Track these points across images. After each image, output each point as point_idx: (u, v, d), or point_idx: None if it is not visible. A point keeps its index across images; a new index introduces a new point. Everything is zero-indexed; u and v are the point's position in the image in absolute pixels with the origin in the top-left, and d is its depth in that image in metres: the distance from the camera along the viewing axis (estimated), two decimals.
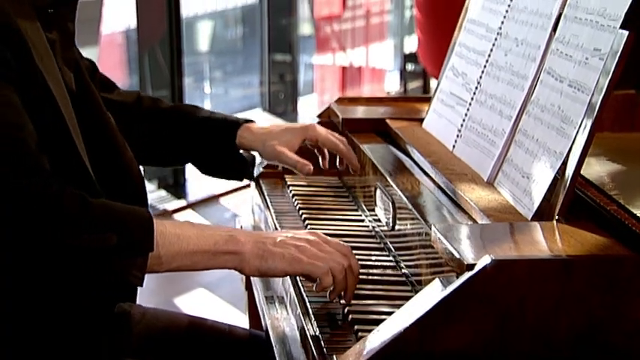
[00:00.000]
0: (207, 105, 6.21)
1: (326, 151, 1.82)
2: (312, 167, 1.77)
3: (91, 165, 1.39)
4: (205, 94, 6.18)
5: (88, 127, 1.43)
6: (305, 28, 6.22)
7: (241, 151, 1.81)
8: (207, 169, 1.83)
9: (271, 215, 1.85)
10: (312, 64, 6.05)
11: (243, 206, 4.27)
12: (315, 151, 1.83)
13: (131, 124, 1.66)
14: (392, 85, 6.28)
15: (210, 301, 3.43)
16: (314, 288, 1.39)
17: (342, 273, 1.37)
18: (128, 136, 1.56)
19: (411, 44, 6.39)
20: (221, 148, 1.78)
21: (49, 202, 1.24)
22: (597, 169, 1.57)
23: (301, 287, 1.50)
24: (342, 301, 1.40)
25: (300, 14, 5.99)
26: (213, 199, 4.48)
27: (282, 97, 5.90)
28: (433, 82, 5.94)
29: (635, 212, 1.36)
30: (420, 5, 5.11)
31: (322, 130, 1.82)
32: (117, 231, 1.26)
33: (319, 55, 5.82)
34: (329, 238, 1.42)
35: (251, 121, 1.81)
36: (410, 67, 6.01)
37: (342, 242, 1.43)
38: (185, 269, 1.36)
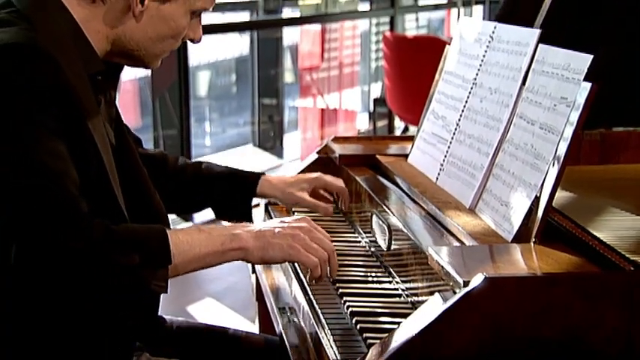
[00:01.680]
0: (207, 140, 6.19)
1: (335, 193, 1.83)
2: (332, 208, 1.79)
3: (126, 207, 1.38)
4: (206, 132, 6.16)
5: (125, 175, 1.41)
6: (289, 77, 6.22)
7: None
8: (225, 215, 1.80)
9: None
10: (296, 107, 6.04)
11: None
12: (322, 192, 1.82)
13: (158, 177, 1.63)
14: (362, 124, 6.28)
15: (218, 309, 3.38)
16: (307, 277, 1.43)
17: (324, 262, 1.38)
18: (155, 187, 1.55)
19: (376, 90, 6.42)
20: (242, 197, 1.76)
21: (81, 233, 1.22)
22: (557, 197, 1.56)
23: (312, 298, 1.48)
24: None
25: (284, 65, 6.00)
26: (218, 220, 4.41)
27: (271, 134, 5.90)
28: (397, 122, 5.96)
29: (596, 235, 1.35)
30: (388, 59, 5.14)
31: (329, 178, 1.81)
32: (138, 250, 1.25)
33: (302, 99, 5.82)
34: (315, 225, 1.43)
35: (264, 174, 1.80)
36: (377, 109, 6.03)
37: (326, 234, 1.44)
38: (200, 269, 1.36)
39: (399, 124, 5.97)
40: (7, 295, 1.28)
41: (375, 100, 6.04)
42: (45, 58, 1.25)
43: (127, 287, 1.27)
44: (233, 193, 1.76)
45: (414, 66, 4.83)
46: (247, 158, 5.70)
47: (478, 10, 7.25)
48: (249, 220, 1.79)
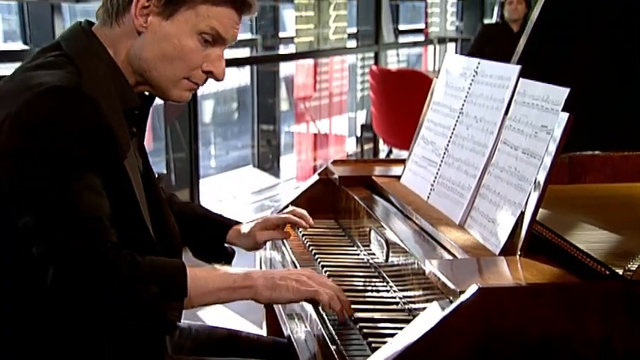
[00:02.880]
0: (212, 162, 6.17)
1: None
2: (289, 233, 1.72)
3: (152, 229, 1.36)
4: (211, 155, 6.13)
5: (150, 200, 1.39)
6: (284, 106, 6.22)
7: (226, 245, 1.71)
8: (200, 255, 1.71)
9: (288, 251, 1.80)
10: (291, 132, 6.03)
11: None
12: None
13: None
14: (350, 147, 6.27)
15: (224, 312, 3.34)
16: (319, 308, 1.37)
17: (333, 297, 1.33)
18: None
19: (362, 117, 6.42)
20: (214, 242, 1.68)
21: (108, 263, 1.20)
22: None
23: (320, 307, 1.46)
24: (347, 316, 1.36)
25: (281, 95, 6.01)
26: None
27: (269, 156, 5.88)
28: (381, 145, 5.97)
29: (579, 246, 1.34)
30: (374, 89, 5.15)
31: (274, 216, 1.73)
32: (158, 283, 1.23)
33: (296, 125, 5.81)
34: (317, 274, 1.39)
35: (238, 223, 1.71)
36: (364, 133, 6.04)
37: (328, 279, 1.41)
38: (212, 304, 1.33)
39: (382, 147, 5.99)
40: (40, 311, 1.26)
41: (362, 126, 6.06)
42: (86, 102, 1.23)
43: (145, 314, 1.27)
44: (206, 237, 1.69)
45: (398, 96, 4.84)
46: (247, 178, 5.69)
47: (451, 47, 7.28)
48: (225, 259, 1.70)
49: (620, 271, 1.30)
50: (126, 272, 1.20)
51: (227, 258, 1.69)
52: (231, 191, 5.34)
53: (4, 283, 1.26)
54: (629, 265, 1.39)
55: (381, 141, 5.88)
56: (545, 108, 1.38)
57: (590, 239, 1.53)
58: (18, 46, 3.45)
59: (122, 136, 1.29)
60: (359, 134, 6.23)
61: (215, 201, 4.98)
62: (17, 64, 3.58)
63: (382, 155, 5.86)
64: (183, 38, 1.33)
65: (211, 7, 1.33)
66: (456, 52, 7.20)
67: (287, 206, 1.87)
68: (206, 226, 1.68)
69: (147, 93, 1.44)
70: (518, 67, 1.53)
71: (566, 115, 1.32)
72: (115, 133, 1.27)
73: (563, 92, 1.35)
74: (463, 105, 1.68)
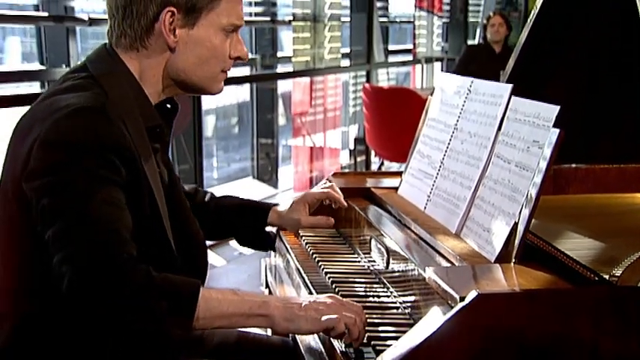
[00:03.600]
0: (214, 174, 6.15)
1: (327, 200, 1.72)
2: (332, 220, 1.71)
3: (172, 236, 1.34)
4: (213, 167, 6.11)
5: (173, 209, 1.37)
6: (282, 120, 6.21)
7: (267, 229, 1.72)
8: (246, 243, 1.73)
9: (292, 258, 1.79)
10: (289, 145, 6.03)
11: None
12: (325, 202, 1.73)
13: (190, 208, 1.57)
14: (344, 160, 6.27)
15: None
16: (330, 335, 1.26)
17: (354, 325, 1.24)
18: None
19: (354, 131, 6.42)
20: (257, 228, 1.69)
21: (124, 276, 1.18)
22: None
23: None
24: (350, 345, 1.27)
25: (279, 111, 6.01)
26: (224, 241, 4.37)
27: (268, 168, 5.87)
28: (373, 158, 5.97)
29: (569, 253, 1.34)
30: (367, 106, 5.16)
31: (316, 191, 1.72)
32: (168, 299, 1.19)
33: (293, 139, 5.80)
34: (344, 300, 1.29)
35: (276, 205, 1.72)
36: (357, 146, 6.04)
37: (354, 302, 1.30)
38: (225, 327, 1.30)
39: (374, 160, 5.99)
40: (58, 313, 1.26)
41: (356, 140, 6.06)
42: (109, 121, 1.23)
43: (151, 328, 1.23)
44: (249, 224, 1.69)
45: (389, 111, 4.85)
46: (247, 189, 5.67)
47: (437, 66, 7.29)
48: (267, 246, 1.73)
49: (607, 277, 1.30)
50: (138, 284, 1.18)
51: (271, 243, 1.69)
52: None
53: (32, 288, 1.26)
54: (614, 271, 1.39)
55: (372, 153, 5.88)
56: (537, 124, 1.38)
57: (577, 247, 1.52)
58: (35, 66, 3.46)
59: (144, 153, 1.29)
60: (352, 147, 6.22)
61: None
62: (34, 83, 3.57)
63: (374, 167, 5.86)
64: (212, 38, 1.35)
65: (224, 1, 1.34)
66: (442, 71, 7.22)
67: (328, 179, 1.87)
68: (246, 213, 1.68)
69: (169, 105, 1.44)
70: (510, 85, 1.53)
71: (557, 130, 1.32)
72: (137, 149, 1.26)
73: (554, 109, 1.35)
74: (457, 121, 1.67)
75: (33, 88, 3.39)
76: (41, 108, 1.29)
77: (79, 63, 1.41)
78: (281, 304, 1.25)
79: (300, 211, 1.69)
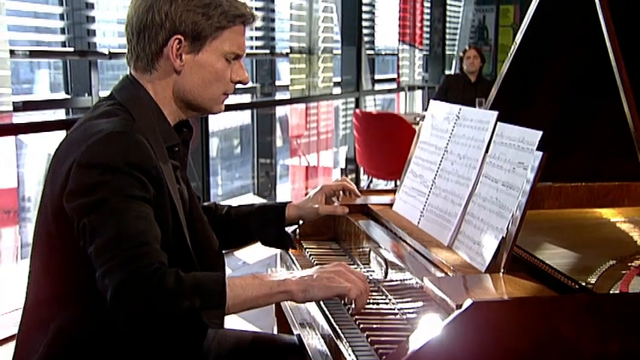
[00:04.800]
0: (219, 190, 6.13)
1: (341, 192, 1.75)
2: (347, 209, 1.72)
3: (192, 246, 1.35)
4: (218, 184, 6.09)
5: (192, 222, 1.38)
6: (280, 142, 6.20)
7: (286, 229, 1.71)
8: (269, 243, 1.72)
9: (297, 268, 1.77)
10: (286, 165, 6.02)
11: (251, 256, 4.16)
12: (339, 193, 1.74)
13: (212, 222, 1.56)
14: (336, 177, 6.26)
15: (234, 320, 3.28)
16: (343, 301, 1.33)
17: (361, 295, 1.28)
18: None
19: (343, 151, 6.42)
20: (278, 226, 1.68)
21: (157, 281, 1.19)
22: None
23: (330, 318, 1.43)
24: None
25: (277, 133, 6.00)
26: (229, 251, 4.34)
27: (268, 185, 5.85)
28: (362, 175, 5.95)
29: (549, 263, 1.33)
30: (357, 129, 5.16)
31: (331, 182, 1.76)
32: (200, 296, 1.20)
33: (290, 159, 5.80)
34: (351, 267, 1.33)
35: (290, 202, 1.73)
36: (348, 165, 6.04)
37: (358, 271, 1.33)
38: (253, 308, 1.29)
39: (363, 177, 5.99)
40: (99, 318, 1.26)
41: (347, 159, 6.06)
42: (137, 143, 1.25)
43: (189, 324, 1.26)
44: (269, 224, 1.68)
45: (377, 134, 4.86)
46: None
47: (418, 93, 7.33)
48: (289, 243, 1.71)
49: (584, 284, 1.30)
50: (172, 288, 1.18)
51: (291, 242, 1.68)
52: None
53: (72, 294, 1.28)
54: (589, 279, 1.39)
55: (362, 171, 5.88)
56: (522, 147, 1.37)
57: (554, 257, 1.52)
58: (61, 95, 3.48)
59: (167, 170, 1.30)
60: (343, 166, 6.22)
61: None
62: (60, 110, 3.57)
63: (363, 184, 5.86)
64: (215, 64, 1.36)
65: (228, 30, 1.35)
66: (422, 99, 7.27)
67: (341, 177, 1.87)
68: (266, 214, 1.67)
69: (185, 128, 1.45)
70: (496, 112, 1.53)
71: (540, 153, 1.32)
72: (162, 168, 1.28)
73: (537, 134, 1.35)
74: (448, 144, 1.67)
75: (59, 114, 3.39)
76: (77, 134, 1.31)
77: (102, 93, 1.42)
78: (296, 279, 1.27)
79: (318, 200, 1.70)
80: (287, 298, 1.28)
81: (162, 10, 1.31)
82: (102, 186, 1.20)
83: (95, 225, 1.19)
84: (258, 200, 5.75)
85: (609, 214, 1.94)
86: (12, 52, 2.93)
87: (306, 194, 6.12)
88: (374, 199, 1.97)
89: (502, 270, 1.30)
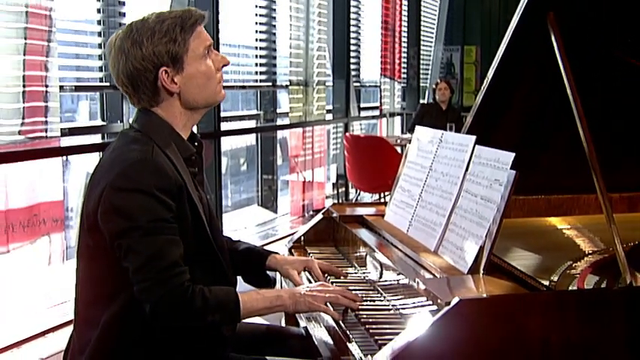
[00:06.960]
0: (228, 202, 6.10)
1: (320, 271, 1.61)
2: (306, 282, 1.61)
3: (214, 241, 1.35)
4: (227, 197, 6.07)
5: (211, 220, 1.37)
6: (280, 161, 6.20)
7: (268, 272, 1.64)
8: (249, 282, 1.63)
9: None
10: (286, 180, 6.02)
11: None
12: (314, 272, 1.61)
13: None
14: (328, 191, 6.26)
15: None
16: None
17: (337, 298, 1.37)
18: None
19: (334, 169, 6.42)
20: (257, 270, 1.61)
21: (187, 300, 1.23)
22: None
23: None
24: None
25: (278, 153, 6.00)
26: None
27: (270, 198, 5.84)
28: (350, 189, 5.95)
29: (515, 264, 1.33)
30: (348, 150, 5.17)
31: (317, 262, 1.63)
32: (219, 311, 1.26)
33: (289, 175, 5.80)
34: (330, 286, 1.42)
35: (276, 253, 1.65)
36: (339, 181, 6.04)
37: (337, 287, 1.43)
38: (256, 316, 1.36)
39: (352, 191, 5.99)
40: (137, 313, 1.26)
41: (338, 175, 6.06)
42: (159, 167, 1.25)
43: (211, 334, 1.31)
44: (251, 266, 1.61)
45: (364, 154, 4.87)
46: (254, 214, 5.63)
47: (397, 119, 7.37)
48: (267, 283, 1.62)
49: (547, 283, 1.30)
50: (199, 306, 1.23)
51: (268, 283, 1.62)
52: (242, 223, 5.30)
53: (113, 293, 1.28)
54: (552, 278, 1.39)
55: (350, 186, 5.88)
56: (497, 167, 1.38)
57: (521, 259, 1.53)
58: (99, 122, 3.52)
59: (186, 177, 1.30)
60: (335, 181, 6.22)
61: (231, 230, 4.91)
62: (97, 136, 3.60)
63: (351, 196, 5.87)
64: (200, 68, 1.33)
65: (192, 37, 1.32)
66: (401, 124, 7.32)
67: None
68: (249, 257, 1.62)
69: (196, 142, 1.43)
70: (474, 137, 1.54)
71: (513, 172, 1.33)
72: (182, 175, 1.28)
73: (510, 155, 1.36)
74: (432, 163, 1.67)
75: (96, 138, 3.41)
76: (108, 160, 1.31)
77: (128, 125, 1.43)
78: (288, 294, 1.36)
79: (295, 268, 1.59)
80: (282, 309, 1.36)
81: (138, 57, 1.29)
82: (131, 208, 1.21)
83: (130, 247, 1.22)
84: (261, 210, 5.74)
85: (564, 221, 1.96)
86: (61, 87, 2.98)
87: (303, 207, 6.07)
88: (365, 210, 1.97)
89: (482, 272, 1.30)
